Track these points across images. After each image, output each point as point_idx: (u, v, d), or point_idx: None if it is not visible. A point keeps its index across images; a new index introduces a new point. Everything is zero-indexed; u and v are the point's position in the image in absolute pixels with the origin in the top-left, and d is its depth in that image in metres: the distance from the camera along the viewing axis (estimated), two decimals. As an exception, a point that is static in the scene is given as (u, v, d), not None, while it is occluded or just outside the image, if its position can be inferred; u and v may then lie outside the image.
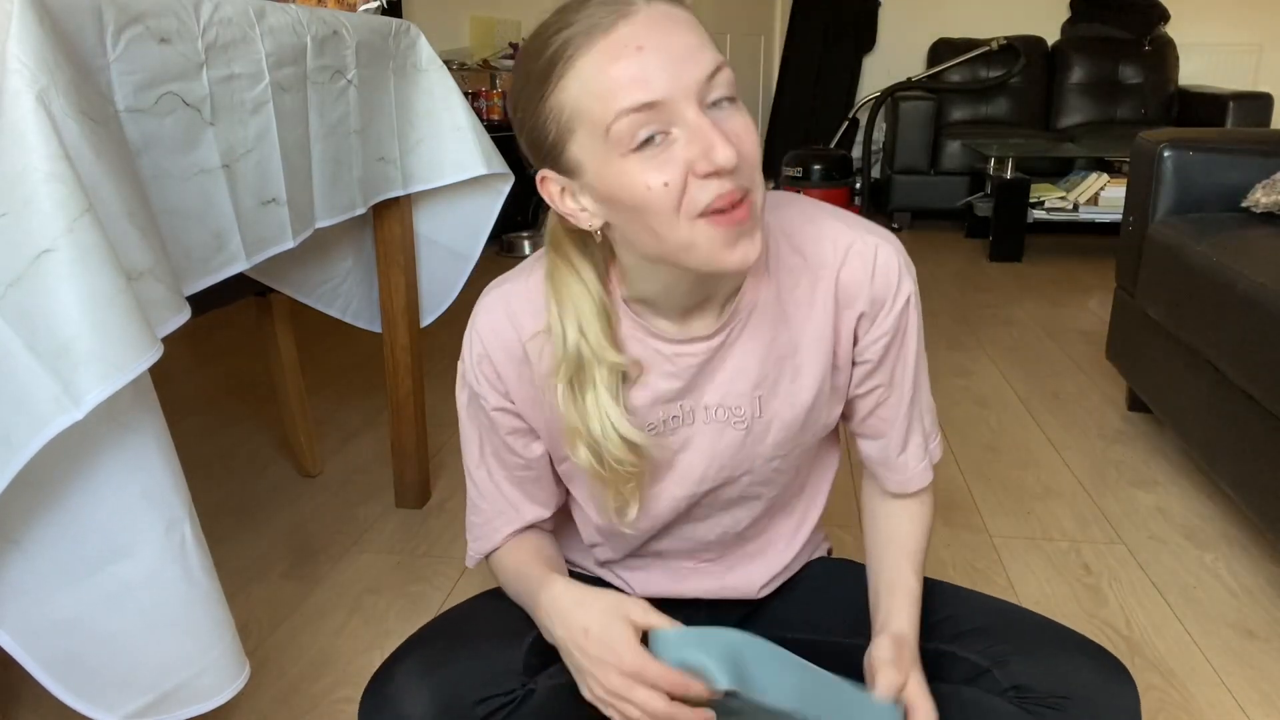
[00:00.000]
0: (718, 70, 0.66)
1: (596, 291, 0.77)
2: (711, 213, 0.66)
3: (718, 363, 0.81)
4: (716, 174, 0.65)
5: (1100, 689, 0.79)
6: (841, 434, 0.94)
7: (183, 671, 0.84)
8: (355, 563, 1.49)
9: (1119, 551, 1.51)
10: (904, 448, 0.89)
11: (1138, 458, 1.88)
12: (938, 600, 0.89)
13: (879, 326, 0.83)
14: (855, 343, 0.84)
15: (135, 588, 0.80)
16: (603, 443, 0.77)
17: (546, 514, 0.91)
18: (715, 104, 0.66)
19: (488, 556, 0.91)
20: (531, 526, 0.91)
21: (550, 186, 0.72)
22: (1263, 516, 1.38)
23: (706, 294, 0.78)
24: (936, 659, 0.85)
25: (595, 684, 0.71)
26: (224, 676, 0.87)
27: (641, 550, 0.94)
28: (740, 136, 0.67)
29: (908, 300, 0.83)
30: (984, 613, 0.88)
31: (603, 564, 0.97)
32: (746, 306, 0.80)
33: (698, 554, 0.94)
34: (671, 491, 0.85)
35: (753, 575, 0.95)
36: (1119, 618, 1.33)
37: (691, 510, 0.88)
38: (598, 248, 0.77)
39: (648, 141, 0.65)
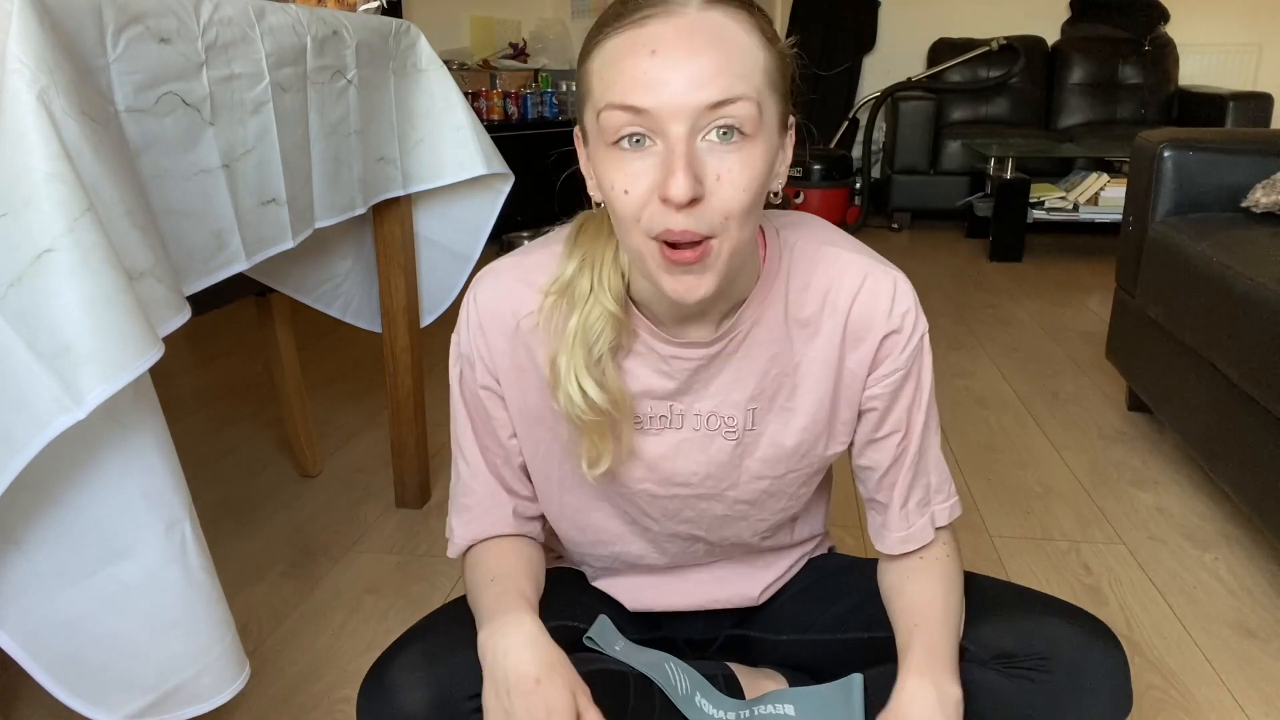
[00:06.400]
0: (728, 102, 0.63)
1: (617, 252, 0.76)
2: (661, 241, 0.66)
3: (714, 370, 0.80)
4: (673, 205, 0.63)
5: (1082, 648, 0.79)
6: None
7: (183, 672, 0.84)
8: (355, 563, 1.49)
9: (1119, 551, 1.51)
10: (906, 501, 0.86)
11: (1138, 458, 1.88)
12: None
13: (893, 362, 0.81)
14: (865, 387, 0.82)
15: (135, 588, 0.80)
16: (564, 384, 0.76)
17: (535, 503, 0.90)
18: (723, 134, 0.64)
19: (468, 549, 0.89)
20: (519, 536, 0.89)
21: (579, 141, 0.74)
22: (1263, 516, 1.38)
23: (697, 309, 0.75)
24: None
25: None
26: (224, 677, 0.87)
27: (626, 570, 0.94)
28: (722, 179, 0.64)
29: (922, 338, 0.81)
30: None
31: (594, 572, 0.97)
32: (748, 321, 0.78)
33: (686, 567, 0.94)
34: (650, 489, 0.84)
35: (747, 588, 0.94)
36: (1119, 618, 1.33)
37: (673, 511, 0.87)
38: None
39: (630, 139, 0.64)
